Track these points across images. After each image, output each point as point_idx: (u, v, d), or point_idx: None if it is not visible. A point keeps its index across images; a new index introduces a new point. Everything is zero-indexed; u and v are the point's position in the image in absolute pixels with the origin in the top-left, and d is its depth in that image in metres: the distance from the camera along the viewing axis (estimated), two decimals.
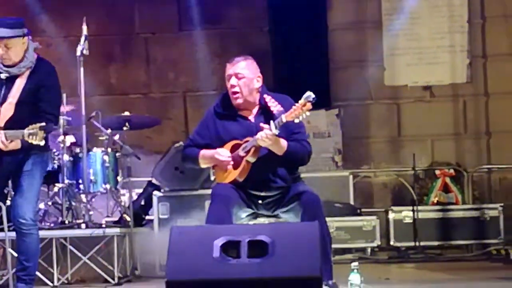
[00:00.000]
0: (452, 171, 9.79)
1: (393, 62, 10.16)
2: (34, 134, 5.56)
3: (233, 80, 5.82)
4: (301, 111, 5.50)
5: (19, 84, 5.87)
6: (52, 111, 5.89)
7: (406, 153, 10.02)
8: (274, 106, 5.71)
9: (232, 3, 10.16)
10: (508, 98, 9.99)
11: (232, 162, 5.74)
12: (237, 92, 5.80)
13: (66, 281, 7.47)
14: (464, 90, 10.19)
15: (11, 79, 5.88)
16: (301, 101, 5.51)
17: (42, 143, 5.58)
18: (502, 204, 9.28)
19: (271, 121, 5.60)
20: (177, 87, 10.43)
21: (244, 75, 5.81)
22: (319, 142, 9.76)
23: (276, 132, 5.57)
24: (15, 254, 6.18)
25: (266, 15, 10.18)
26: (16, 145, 5.73)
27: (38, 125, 5.57)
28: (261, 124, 5.61)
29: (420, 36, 10.14)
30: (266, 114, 5.76)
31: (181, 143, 7.84)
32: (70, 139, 7.81)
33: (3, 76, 5.89)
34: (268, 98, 5.78)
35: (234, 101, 5.82)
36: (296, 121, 5.53)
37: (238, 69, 5.83)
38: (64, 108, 7.81)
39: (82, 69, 7.54)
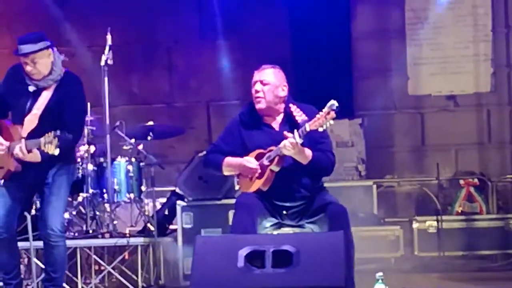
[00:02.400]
0: (476, 180, 9.72)
1: (416, 71, 10.13)
2: (49, 143, 5.59)
3: (258, 86, 5.84)
4: (324, 119, 5.49)
5: (45, 97, 5.90)
6: (73, 126, 5.90)
7: (430, 163, 9.98)
8: (299, 115, 5.71)
9: (254, 12, 10.16)
10: None
11: (259, 171, 5.74)
12: (261, 97, 5.82)
13: None
14: (488, 100, 10.14)
15: (38, 91, 5.91)
16: (325, 110, 5.51)
17: (57, 152, 5.59)
18: None
19: (295, 130, 5.60)
20: (200, 96, 10.45)
21: (270, 82, 5.83)
22: (342, 152, 9.73)
23: (300, 141, 5.57)
24: (40, 264, 6.20)
25: (288, 24, 10.18)
26: (35, 156, 5.75)
27: (53, 133, 5.60)
28: (285, 133, 5.61)
29: (444, 46, 10.11)
30: (291, 123, 5.76)
31: (204, 152, 7.84)
32: (91, 149, 7.83)
33: (30, 88, 5.92)
34: (293, 108, 5.79)
35: (257, 105, 5.83)
36: (320, 129, 5.53)
37: (264, 76, 5.85)
38: (89, 118, 7.85)
39: (106, 79, 7.57)
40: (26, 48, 5.83)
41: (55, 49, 5.99)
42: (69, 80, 5.97)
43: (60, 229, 5.93)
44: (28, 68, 5.86)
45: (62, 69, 5.97)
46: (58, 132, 5.59)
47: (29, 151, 5.72)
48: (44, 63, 5.88)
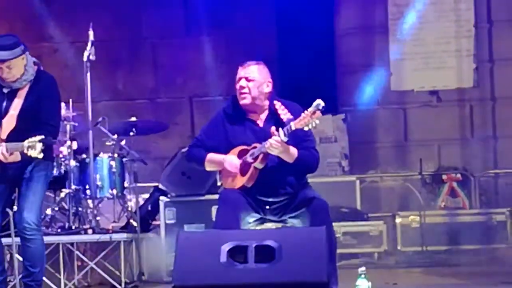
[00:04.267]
0: (459, 175, 9.77)
1: (399, 67, 10.16)
2: (32, 147, 5.61)
3: (243, 82, 5.83)
4: (310, 119, 5.49)
5: (21, 97, 5.92)
6: (52, 123, 5.94)
7: (413, 158, 10.01)
8: (284, 113, 5.71)
9: (239, 8, 10.16)
10: None
11: (238, 174, 5.74)
12: (246, 93, 5.81)
13: (73, 287, 7.47)
14: (470, 95, 10.18)
15: (13, 92, 5.93)
16: (311, 109, 5.51)
17: (41, 156, 5.62)
18: (509, 209, 9.24)
19: (280, 128, 5.60)
20: (184, 92, 10.44)
21: (255, 78, 5.83)
22: (326, 147, 9.75)
23: (285, 139, 5.57)
24: (21, 259, 6.19)
25: (273, 20, 10.18)
26: (15, 157, 5.77)
27: (38, 138, 5.61)
28: (272, 129, 5.60)
29: (427, 41, 10.14)
30: (275, 120, 5.76)
31: (187, 148, 7.84)
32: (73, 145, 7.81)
33: (4, 90, 5.94)
34: (278, 105, 5.78)
35: (241, 101, 5.82)
36: (306, 129, 5.52)
37: (249, 72, 5.84)
38: (71, 114, 7.83)
39: (89, 74, 7.56)
40: (2, 54, 5.81)
41: (27, 52, 5.98)
42: (42, 79, 5.99)
43: (36, 223, 5.92)
44: (3, 74, 5.87)
45: (34, 68, 5.99)
46: (42, 137, 5.60)
47: (10, 154, 5.73)
48: (19, 67, 5.89)
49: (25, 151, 5.63)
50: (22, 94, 5.91)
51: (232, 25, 10.18)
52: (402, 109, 10.28)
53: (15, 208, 6.21)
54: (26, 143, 5.62)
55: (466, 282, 7.37)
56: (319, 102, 5.49)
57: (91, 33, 7.58)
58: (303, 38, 9.92)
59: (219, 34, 10.16)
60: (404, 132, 10.28)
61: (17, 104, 5.90)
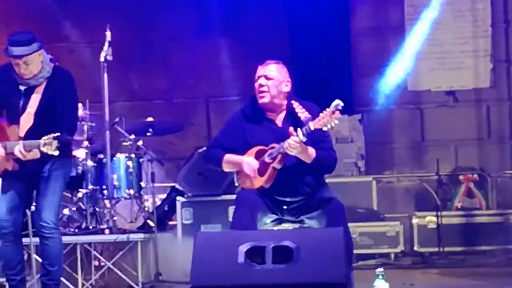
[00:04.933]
0: (475, 176, 9.73)
1: (416, 67, 10.13)
2: (48, 144, 5.63)
3: (262, 80, 5.83)
4: (329, 118, 5.49)
5: (38, 94, 5.94)
6: (69, 119, 5.97)
7: (429, 158, 9.98)
8: (302, 112, 5.70)
9: (253, 9, 10.15)
10: None
11: (256, 175, 5.74)
12: (265, 91, 5.81)
13: (90, 287, 7.49)
14: (487, 95, 10.15)
15: (30, 90, 5.95)
16: (330, 109, 5.50)
17: (56, 153, 5.64)
18: None
19: (299, 129, 5.59)
20: (199, 93, 10.45)
21: (274, 77, 5.83)
22: (342, 148, 9.74)
23: (304, 139, 5.56)
24: (40, 260, 6.21)
25: (287, 21, 10.17)
26: (34, 155, 5.79)
27: (52, 135, 5.64)
28: (290, 129, 5.60)
29: (443, 41, 10.11)
30: (293, 120, 5.75)
31: (204, 148, 7.83)
32: (81, 153, 7.80)
33: (21, 88, 5.95)
34: (296, 104, 5.78)
35: (260, 99, 5.82)
36: (324, 129, 5.52)
37: (268, 71, 5.85)
38: (88, 114, 7.86)
39: (105, 75, 7.58)
40: (19, 50, 5.84)
41: (43, 48, 6.01)
42: (59, 75, 6.01)
43: (54, 221, 5.95)
44: (21, 70, 5.90)
45: (51, 65, 6.01)
46: (58, 134, 5.62)
47: (28, 151, 5.75)
48: (36, 63, 5.92)
49: (41, 148, 5.65)
50: (39, 91, 5.93)
51: (245, 26, 10.17)
52: (419, 109, 10.26)
53: (33, 207, 6.24)
54: (42, 140, 5.65)
55: (483, 283, 7.35)
56: (338, 102, 5.48)
57: (108, 33, 7.60)
58: (318, 39, 9.90)
59: (232, 35, 10.16)
60: (421, 132, 10.25)
61: (34, 101, 5.92)
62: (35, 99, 5.92)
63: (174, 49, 10.41)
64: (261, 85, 5.82)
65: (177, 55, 10.41)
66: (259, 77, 5.86)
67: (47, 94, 5.93)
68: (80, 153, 7.74)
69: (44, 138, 5.66)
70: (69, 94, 5.99)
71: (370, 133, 10.03)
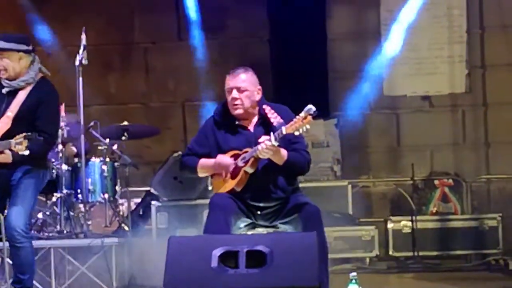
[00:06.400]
0: (451, 181, 9.77)
1: (392, 72, 10.16)
2: (19, 144, 5.66)
3: (235, 93, 5.82)
4: (301, 123, 5.49)
5: (19, 99, 5.98)
6: (48, 131, 5.99)
7: (405, 163, 10.00)
8: (274, 117, 5.71)
9: (232, 12, 10.16)
10: (507, 108, 9.99)
11: (233, 166, 5.73)
12: (239, 105, 5.81)
13: None
14: (463, 100, 10.19)
15: (12, 94, 5.98)
16: (302, 114, 5.50)
17: (27, 152, 5.65)
18: (500, 214, 9.24)
19: (271, 133, 5.60)
20: (176, 97, 10.43)
21: (247, 88, 5.82)
22: (318, 152, 9.75)
23: (276, 143, 5.57)
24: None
25: (266, 25, 10.18)
26: (7, 157, 5.80)
27: (24, 134, 5.65)
28: (262, 137, 5.61)
29: (419, 46, 10.14)
30: (265, 125, 5.76)
31: (179, 152, 7.83)
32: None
33: (4, 91, 5.99)
34: (267, 109, 5.78)
35: (234, 111, 5.82)
36: (296, 133, 5.52)
37: (239, 82, 5.83)
38: (63, 118, 7.83)
39: (81, 78, 7.55)
40: None
41: (36, 56, 6.09)
42: (43, 85, 6.06)
43: (25, 230, 5.94)
44: None
45: (39, 74, 6.03)
46: (29, 134, 5.62)
47: (0, 152, 5.73)
48: (12, 62, 5.95)
49: (12, 147, 5.66)
50: (21, 96, 5.96)
51: (224, 30, 10.18)
52: (395, 114, 10.29)
53: (6, 212, 6.21)
54: (13, 140, 5.67)
55: (458, 287, 7.37)
56: (310, 107, 5.49)
57: (83, 37, 7.57)
58: (296, 43, 9.91)
59: (211, 39, 10.16)
60: (397, 137, 10.28)
61: (14, 106, 5.95)
62: (16, 103, 5.96)
63: (152, 52, 10.39)
64: (234, 98, 5.81)
65: (155, 59, 10.40)
66: (231, 89, 5.83)
67: (28, 101, 5.96)
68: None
69: (16, 137, 5.68)
70: (50, 106, 6.03)
71: (346, 137, 10.04)
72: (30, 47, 6.06)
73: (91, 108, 9.17)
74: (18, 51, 5.96)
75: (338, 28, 10.24)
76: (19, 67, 5.96)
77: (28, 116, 5.90)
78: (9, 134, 5.84)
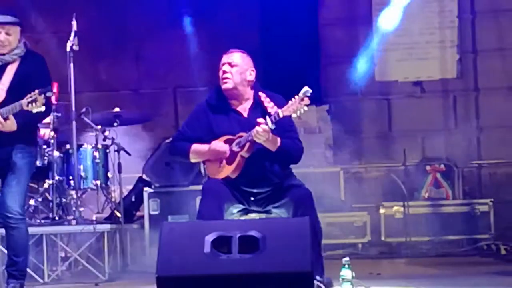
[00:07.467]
0: (442, 166, 9.79)
1: (383, 57, 10.15)
2: (33, 101, 5.63)
3: (226, 67, 5.84)
4: (299, 105, 5.50)
5: (10, 71, 5.95)
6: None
7: (396, 149, 10.01)
8: (270, 106, 5.70)
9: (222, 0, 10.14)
10: (498, 93, 10.01)
11: (229, 152, 5.73)
12: (228, 78, 5.81)
13: (56, 278, 7.44)
14: (454, 86, 10.20)
15: (2, 67, 5.93)
16: (299, 96, 5.51)
17: (43, 108, 5.62)
18: (492, 199, 9.27)
19: (267, 116, 5.59)
20: (167, 83, 10.41)
21: (238, 64, 5.84)
22: (310, 138, 9.73)
23: (272, 126, 5.57)
24: (5, 251, 6.16)
25: (257, 11, 10.16)
26: (11, 125, 5.76)
27: (37, 91, 5.65)
28: (258, 120, 5.60)
29: (411, 32, 10.14)
30: (260, 111, 5.75)
31: (171, 139, 7.82)
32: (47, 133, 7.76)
33: None
34: (263, 96, 5.78)
35: (223, 85, 5.82)
36: (294, 116, 5.53)
37: (232, 58, 5.86)
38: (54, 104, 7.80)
39: (72, 65, 7.53)
40: (2, 17, 5.89)
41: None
42: (33, 55, 6.05)
43: (20, 211, 5.91)
44: (1, 38, 5.90)
45: (23, 46, 6.03)
46: (42, 89, 5.62)
47: (5, 119, 5.71)
48: (15, 37, 5.95)
49: (25, 107, 5.63)
50: (12, 69, 5.94)
51: (216, 16, 10.14)
52: (386, 100, 10.29)
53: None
54: (25, 100, 5.64)
55: (450, 272, 7.39)
56: (307, 89, 5.50)
57: (74, 23, 7.55)
58: (287, 29, 9.90)
59: (202, 25, 10.13)
60: (388, 122, 10.29)
61: (6, 78, 5.92)
62: (8, 76, 5.93)
63: (144, 39, 10.36)
64: (224, 72, 5.84)
65: (147, 46, 10.37)
66: (223, 64, 5.87)
67: (20, 73, 5.93)
68: (46, 133, 7.68)
69: (27, 97, 5.65)
70: (43, 73, 5.99)
71: (338, 123, 10.04)
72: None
73: (82, 95, 9.13)
74: (19, 24, 5.96)
75: (330, 13, 10.22)
76: (17, 41, 5.96)
77: (20, 87, 5.86)
78: (5, 105, 5.81)
